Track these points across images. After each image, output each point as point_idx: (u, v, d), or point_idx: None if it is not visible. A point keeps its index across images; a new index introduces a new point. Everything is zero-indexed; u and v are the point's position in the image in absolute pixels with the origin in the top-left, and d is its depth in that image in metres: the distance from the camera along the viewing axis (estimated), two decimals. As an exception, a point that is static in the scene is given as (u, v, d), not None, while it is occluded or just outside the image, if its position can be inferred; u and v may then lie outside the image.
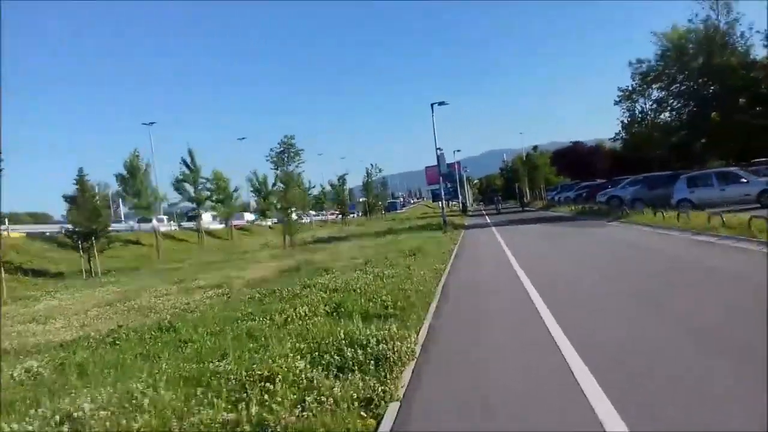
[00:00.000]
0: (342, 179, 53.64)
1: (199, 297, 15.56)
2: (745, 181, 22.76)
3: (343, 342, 6.65)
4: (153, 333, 9.65)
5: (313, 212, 68.21)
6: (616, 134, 60.03)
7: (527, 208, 51.59)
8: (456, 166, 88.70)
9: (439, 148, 29.05)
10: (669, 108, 47.65)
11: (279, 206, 25.95)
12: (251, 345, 7.55)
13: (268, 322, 9.44)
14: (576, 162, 73.71)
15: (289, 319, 9.17)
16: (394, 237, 26.16)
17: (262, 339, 7.79)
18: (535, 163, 54.84)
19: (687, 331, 6.06)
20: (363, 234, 31.54)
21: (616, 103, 56.93)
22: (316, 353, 6.45)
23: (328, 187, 58.12)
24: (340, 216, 55.03)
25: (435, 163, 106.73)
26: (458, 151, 72.04)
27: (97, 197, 33.47)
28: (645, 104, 55.93)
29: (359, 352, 6.11)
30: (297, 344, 6.96)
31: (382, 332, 6.71)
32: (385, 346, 6.15)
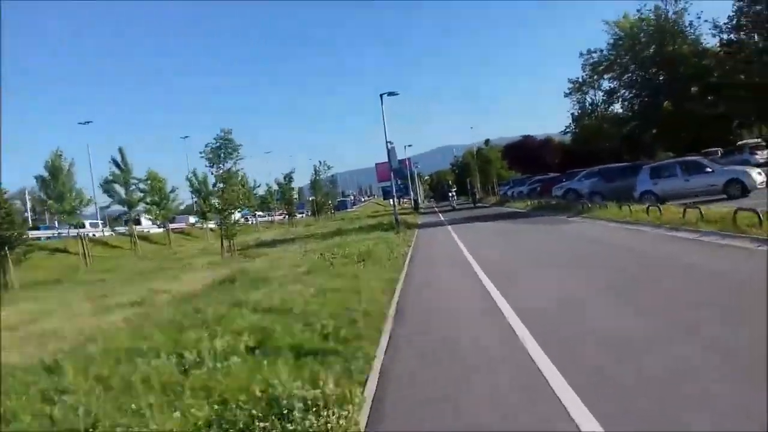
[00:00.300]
0: (288, 177, 51.12)
1: (114, 318, 13.22)
2: (710, 170, 21.66)
3: (259, 407, 4.61)
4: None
5: (260, 213, 65.45)
6: (567, 127, 59.63)
7: (480, 204, 50.31)
8: (407, 163, 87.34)
9: (389, 142, 27.17)
10: (620, 98, 47.11)
11: (218, 207, 23.43)
12: (133, 406, 5.41)
13: (175, 360, 7.30)
14: (527, 156, 73.15)
15: (199, 359, 7.04)
16: (342, 239, 24.10)
17: (151, 398, 5.65)
18: (488, 158, 53.63)
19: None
20: (310, 236, 29.42)
21: (567, 95, 56.54)
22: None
23: (275, 186, 55.64)
24: (286, 216, 52.37)
25: (386, 159, 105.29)
26: (409, 146, 70.26)
27: (17, 201, 30.26)
28: (595, 96, 55.70)
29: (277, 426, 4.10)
30: (193, 409, 4.87)
31: (314, 391, 4.68)
32: (314, 419, 4.14)
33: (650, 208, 16.84)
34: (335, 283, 11.17)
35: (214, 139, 23.26)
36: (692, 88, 41.72)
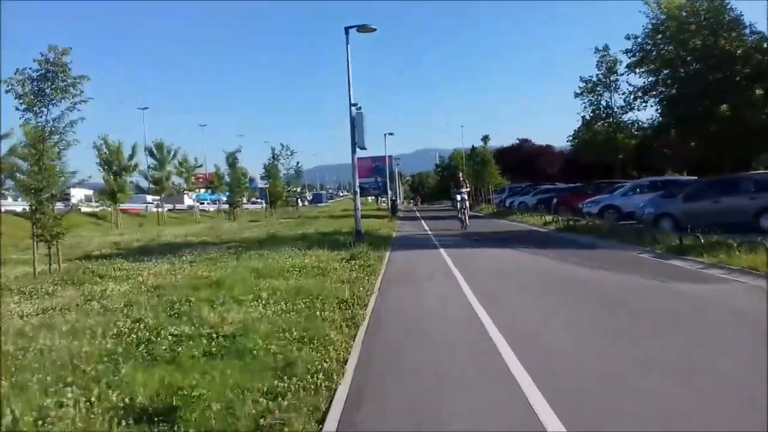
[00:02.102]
0: (232, 157, 40.30)
1: None
2: None
3: None
4: None
5: (198, 201, 54.36)
6: (577, 131, 49.58)
7: (473, 213, 39.94)
8: (387, 160, 76.74)
9: (355, 104, 16.54)
10: (658, 98, 36.82)
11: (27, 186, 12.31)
12: None
13: None
14: (522, 162, 63.39)
15: None
16: (257, 255, 13.76)
17: None
18: (484, 158, 43.44)
19: None
20: (222, 242, 18.71)
21: (577, 95, 46.03)
22: None
23: (225, 167, 44.60)
24: (228, 206, 41.32)
25: (366, 155, 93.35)
26: (391, 134, 59.21)
27: None
28: (611, 99, 45.66)
29: None
30: None
31: None
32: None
33: None
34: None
35: (35, 60, 12.19)
36: (757, 91, 31.73)
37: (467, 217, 22.93)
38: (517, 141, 66.36)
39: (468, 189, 24.39)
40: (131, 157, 31.59)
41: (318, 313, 7.05)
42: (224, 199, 57.70)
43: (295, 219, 34.46)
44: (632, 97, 38.65)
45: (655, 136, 38.40)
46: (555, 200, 29.91)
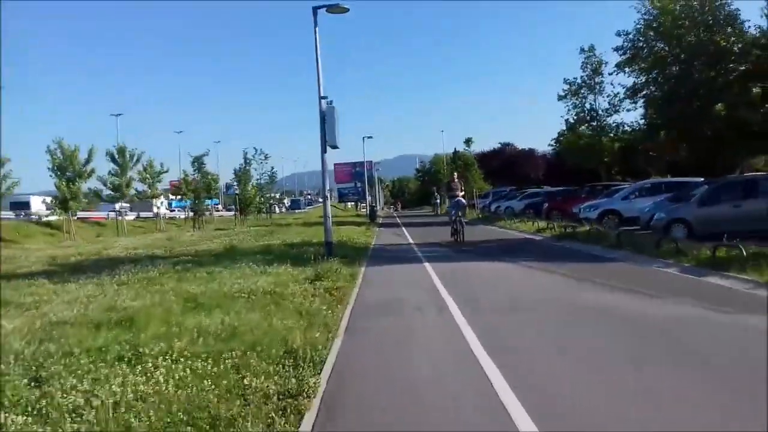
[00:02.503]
0: (199, 161, 36.89)
1: None
2: None
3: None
4: None
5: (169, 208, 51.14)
6: (561, 134, 47.76)
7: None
8: (366, 164, 74.33)
9: (324, 97, 13.95)
10: (648, 97, 34.82)
11: None
12: None
13: None
14: (504, 167, 61.39)
15: None
16: (206, 273, 11.30)
17: None
18: (468, 161, 41.14)
19: None
20: (172, 256, 15.98)
21: (561, 97, 44.24)
22: None
23: (192, 172, 41.51)
24: (192, 214, 38.09)
25: (346, 160, 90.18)
26: (370, 137, 56.62)
27: None
28: (595, 101, 43.82)
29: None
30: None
31: None
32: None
33: None
34: None
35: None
36: (754, 89, 29.92)
37: (464, 228, 18.71)
38: (499, 145, 64.45)
39: (464, 192, 20.41)
40: (87, 161, 28.68)
41: (246, 380, 4.53)
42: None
43: (266, 227, 31.74)
44: (620, 97, 36.83)
45: (644, 138, 36.48)
46: (546, 205, 27.70)
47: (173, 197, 51.81)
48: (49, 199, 45.96)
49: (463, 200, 19.67)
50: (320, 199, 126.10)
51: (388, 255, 15.68)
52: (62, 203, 28.16)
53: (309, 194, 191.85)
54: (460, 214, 18.83)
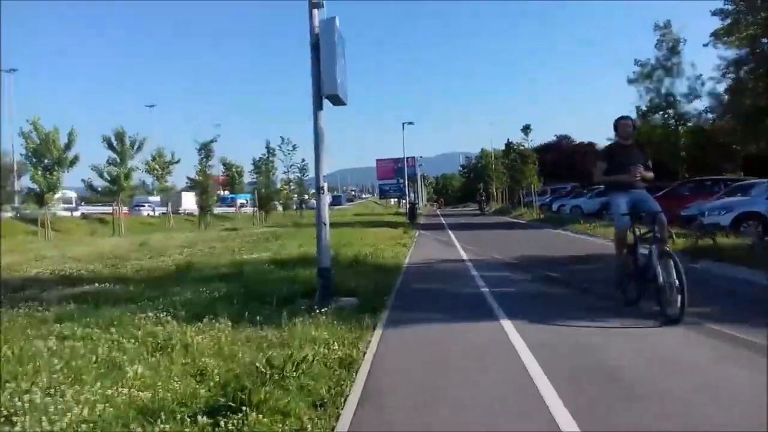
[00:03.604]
0: (206, 148, 30.14)
1: None
2: None
3: None
4: None
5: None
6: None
7: (512, 220, 30.86)
8: (406, 161, 68.46)
9: (317, 3, 7.48)
10: (757, 71, 27.12)
11: None
12: None
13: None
14: (560, 162, 54.16)
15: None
16: (69, 329, 5.04)
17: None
18: (524, 154, 34.21)
19: None
20: (91, 279, 9.86)
21: (632, 81, 36.63)
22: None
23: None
24: (200, 210, 31.85)
25: (388, 156, 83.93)
26: (410, 123, 48.57)
27: None
28: (672, 85, 36.03)
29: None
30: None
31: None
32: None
33: None
34: None
35: None
36: None
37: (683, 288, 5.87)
38: (555, 138, 57.10)
39: (651, 173, 6.45)
40: (68, 146, 23.15)
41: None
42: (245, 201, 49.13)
43: (284, 228, 25.53)
44: (703, 80, 28.98)
45: (744, 125, 28.73)
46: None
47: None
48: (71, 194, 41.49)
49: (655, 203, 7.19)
50: (363, 196, 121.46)
51: (430, 289, 9.11)
52: (38, 197, 22.72)
53: (353, 190, 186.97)
54: (656, 233, 6.64)
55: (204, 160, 29.38)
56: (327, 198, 7.91)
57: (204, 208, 29.79)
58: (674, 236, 13.27)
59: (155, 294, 8.22)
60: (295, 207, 40.71)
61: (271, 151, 33.83)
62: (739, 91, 28.98)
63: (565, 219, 25.76)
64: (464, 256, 13.32)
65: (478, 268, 10.95)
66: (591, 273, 10.40)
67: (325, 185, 7.73)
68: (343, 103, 7.93)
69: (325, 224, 7.75)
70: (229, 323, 6.07)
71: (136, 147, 27.73)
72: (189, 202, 51.34)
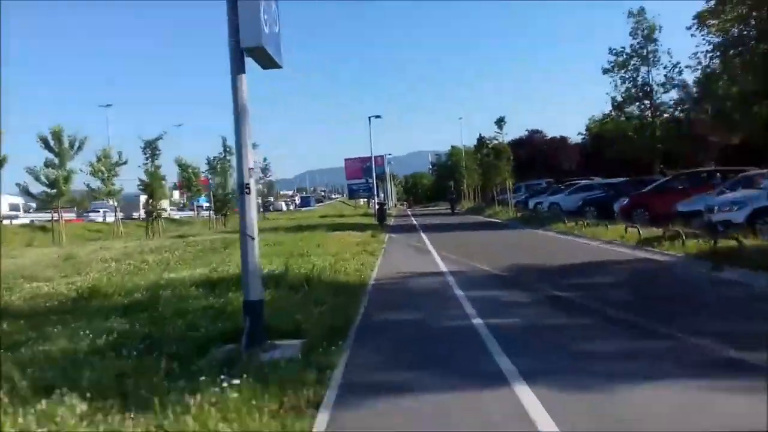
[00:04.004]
0: (151, 146, 26.57)
1: None
2: None
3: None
4: None
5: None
6: (604, 116, 38.75)
7: (488, 220, 28.85)
8: (378, 160, 66.54)
9: None
10: (747, 54, 25.52)
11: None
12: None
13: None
14: (532, 157, 52.58)
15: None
16: None
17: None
18: (498, 149, 32.17)
19: None
20: None
21: (606, 71, 35.06)
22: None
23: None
24: (146, 216, 28.41)
25: (359, 155, 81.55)
26: (378, 116, 45.36)
27: None
28: (648, 75, 34.60)
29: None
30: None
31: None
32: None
33: None
34: None
35: None
36: None
37: None
38: (527, 132, 55.55)
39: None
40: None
41: None
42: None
43: (237, 235, 23.10)
44: (707, 56, 27.23)
45: (733, 110, 27.10)
46: (626, 201, 18.70)
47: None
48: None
49: None
50: (333, 197, 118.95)
51: (403, 324, 6.77)
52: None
53: (323, 191, 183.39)
54: None
55: (150, 159, 26.38)
56: (254, 200, 5.57)
57: (151, 213, 26.69)
58: (684, 237, 11.38)
59: (21, 339, 5.85)
60: (260, 210, 37.75)
61: (228, 149, 31.11)
62: (716, 80, 27.53)
63: (544, 218, 23.81)
64: (443, 266, 11.11)
65: (462, 284, 8.74)
66: (602, 289, 8.29)
67: (252, 182, 5.39)
68: (276, 65, 5.62)
69: (252, 238, 5.42)
70: (84, 406, 3.76)
71: (76, 147, 24.83)
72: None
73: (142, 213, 42.74)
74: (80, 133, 24.86)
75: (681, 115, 35.50)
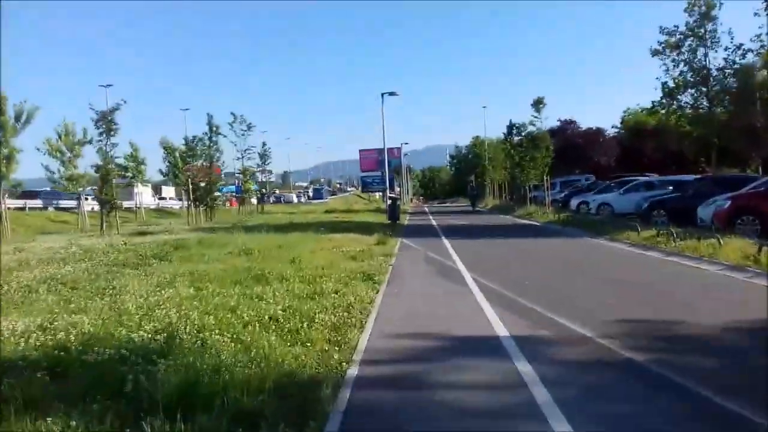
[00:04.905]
0: (106, 119, 20.44)
1: None
2: None
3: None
4: None
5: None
6: (657, 102, 33.13)
7: (521, 222, 23.63)
8: (394, 151, 61.44)
9: None
10: None
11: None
12: None
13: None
14: (565, 150, 47.09)
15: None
16: None
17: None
18: (537, 141, 26.78)
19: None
20: None
21: (656, 53, 29.41)
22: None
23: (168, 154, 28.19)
24: (99, 206, 22.99)
25: (371, 146, 75.91)
26: (392, 93, 40.46)
27: None
28: (706, 57, 29.01)
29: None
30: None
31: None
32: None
33: None
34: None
35: None
36: None
37: None
38: (559, 123, 49.90)
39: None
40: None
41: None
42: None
43: (211, 233, 17.85)
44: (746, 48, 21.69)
45: None
46: (726, 205, 13.44)
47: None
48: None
49: None
50: (348, 189, 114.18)
51: None
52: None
53: (339, 183, 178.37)
54: None
55: (104, 135, 20.97)
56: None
57: (105, 203, 21.37)
58: None
59: None
60: (257, 200, 32.69)
61: (214, 129, 26.17)
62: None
63: (595, 222, 18.63)
64: (492, 317, 6.06)
65: (558, 391, 3.74)
66: None
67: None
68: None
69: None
70: None
71: (23, 119, 20.10)
72: (146, 194, 43.27)
73: (137, 202, 38.15)
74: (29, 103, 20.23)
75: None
